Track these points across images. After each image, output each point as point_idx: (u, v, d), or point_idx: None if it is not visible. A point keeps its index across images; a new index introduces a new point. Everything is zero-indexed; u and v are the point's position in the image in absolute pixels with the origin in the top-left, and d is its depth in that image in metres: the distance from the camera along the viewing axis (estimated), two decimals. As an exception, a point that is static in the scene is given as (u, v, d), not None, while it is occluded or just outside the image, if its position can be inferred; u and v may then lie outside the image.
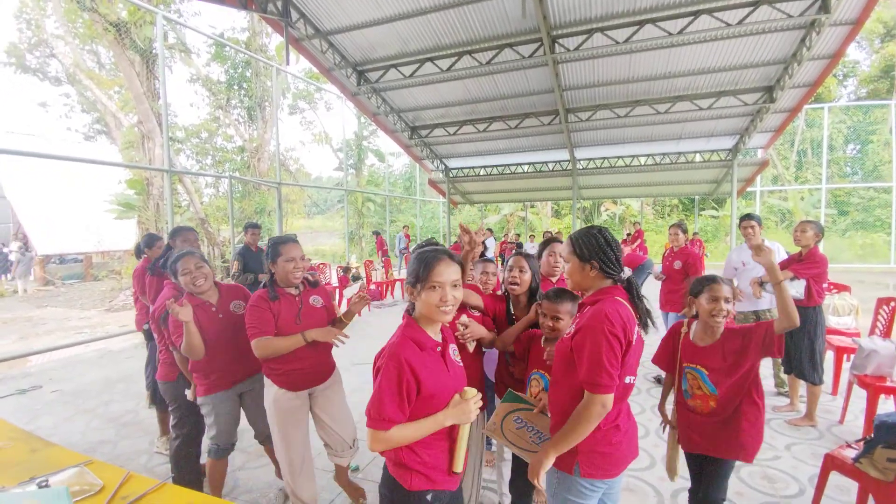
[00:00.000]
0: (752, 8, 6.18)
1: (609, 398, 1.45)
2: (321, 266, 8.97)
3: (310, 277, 2.43)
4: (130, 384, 4.78)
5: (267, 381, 2.28)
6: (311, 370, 2.30)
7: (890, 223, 14.34)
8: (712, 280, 2.02)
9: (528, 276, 2.29)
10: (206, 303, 2.43)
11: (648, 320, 1.63)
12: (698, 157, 11.70)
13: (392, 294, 10.31)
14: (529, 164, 13.21)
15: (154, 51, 10.35)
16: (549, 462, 1.52)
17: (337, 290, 8.41)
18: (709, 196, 15.14)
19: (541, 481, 1.55)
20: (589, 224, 23.26)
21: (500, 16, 6.82)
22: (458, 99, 9.76)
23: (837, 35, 6.84)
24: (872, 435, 2.12)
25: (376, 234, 13.69)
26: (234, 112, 16.20)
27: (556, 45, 7.17)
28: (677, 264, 4.21)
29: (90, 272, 15.31)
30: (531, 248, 14.74)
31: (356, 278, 10.41)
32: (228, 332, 2.43)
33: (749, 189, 13.66)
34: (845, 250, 16.08)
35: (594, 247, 1.60)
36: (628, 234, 15.12)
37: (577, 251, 1.63)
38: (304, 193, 20.34)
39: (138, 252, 4.05)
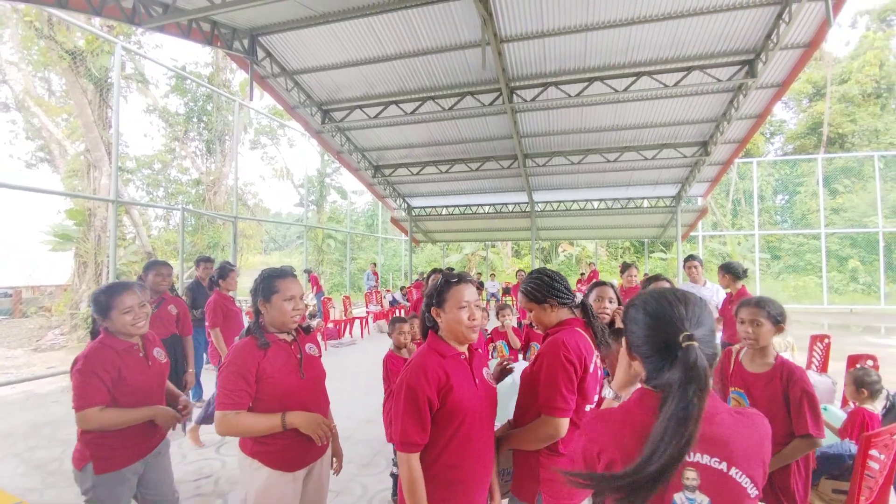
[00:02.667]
0: (685, 73, 6.88)
1: (563, 423, 1.50)
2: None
3: (302, 322, 1.92)
4: (56, 430, 4.37)
5: (248, 463, 1.70)
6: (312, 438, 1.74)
7: (820, 267, 15.66)
8: (744, 303, 2.05)
9: (615, 306, 2.39)
10: (134, 346, 2.02)
11: (603, 337, 1.72)
12: (646, 203, 12.48)
13: (350, 333, 10.04)
14: (490, 205, 13.60)
15: (109, 80, 10.10)
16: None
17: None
18: (657, 239, 16.05)
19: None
20: (547, 264, 23.93)
21: (462, 66, 7.22)
22: (422, 141, 10.05)
23: (764, 97, 7.68)
24: (815, 467, 2.18)
25: (308, 272, 13.23)
26: (191, 144, 15.84)
27: (515, 95, 7.63)
28: (629, 303, 4.40)
29: (19, 308, 14.00)
30: (492, 286, 14.92)
31: (312, 316, 10.08)
32: (156, 384, 2.07)
33: (692, 234, 14.63)
34: (779, 292, 17.33)
35: (544, 287, 1.72)
36: (582, 274, 15.65)
37: (533, 297, 1.73)
38: (262, 229, 19.84)
39: (211, 284, 4.32)
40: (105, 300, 1.95)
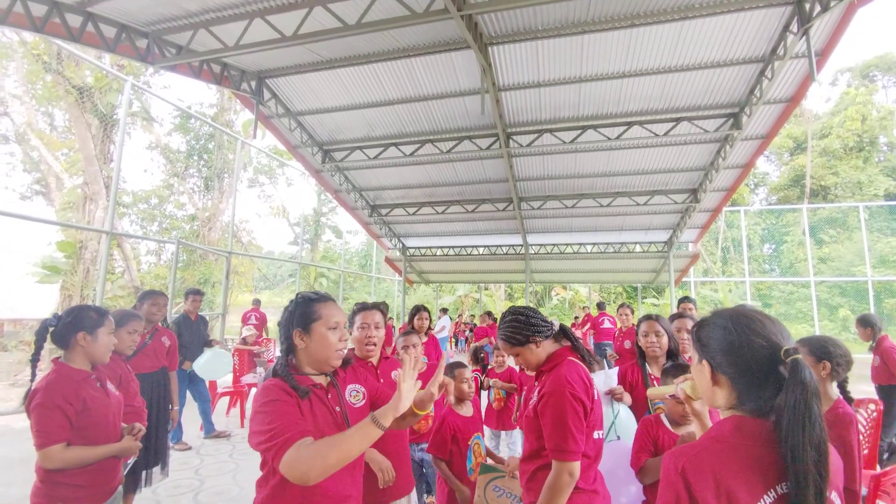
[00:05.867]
0: (674, 123, 7.18)
1: (576, 466, 1.42)
2: (265, 342, 8.42)
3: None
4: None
5: None
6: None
7: (811, 315, 15.75)
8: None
9: (665, 340, 2.37)
10: (91, 377, 1.87)
11: (591, 359, 1.68)
12: (638, 248, 12.64)
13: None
14: (485, 246, 13.69)
15: (115, 116, 10.30)
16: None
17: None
18: (649, 284, 16.13)
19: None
20: (540, 307, 23.69)
21: (461, 111, 7.48)
22: (419, 182, 10.24)
23: (749, 148, 8.02)
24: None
25: None
26: (190, 181, 15.99)
27: (511, 140, 7.87)
28: (627, 344, 4.36)
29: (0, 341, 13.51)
30: (485, 329, 14.70)
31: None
32: (116, 418, 1.93)
33: (684, 279, 14.74)
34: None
35: (522, 326, 1.65)
36: (576, 318, 15.56)
37: (516, 341, 1.65)
38: (254, 266, 19.68)
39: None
40: (97, 316, 1.86)
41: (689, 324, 2.48)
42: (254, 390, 6.25)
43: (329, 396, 1.40)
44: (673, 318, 2.57)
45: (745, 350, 0.88)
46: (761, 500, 0.79)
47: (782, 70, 5.71)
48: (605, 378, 2.28)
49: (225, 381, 7.02)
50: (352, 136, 8.55)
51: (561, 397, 1.46)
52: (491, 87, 6.22)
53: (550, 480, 1.43)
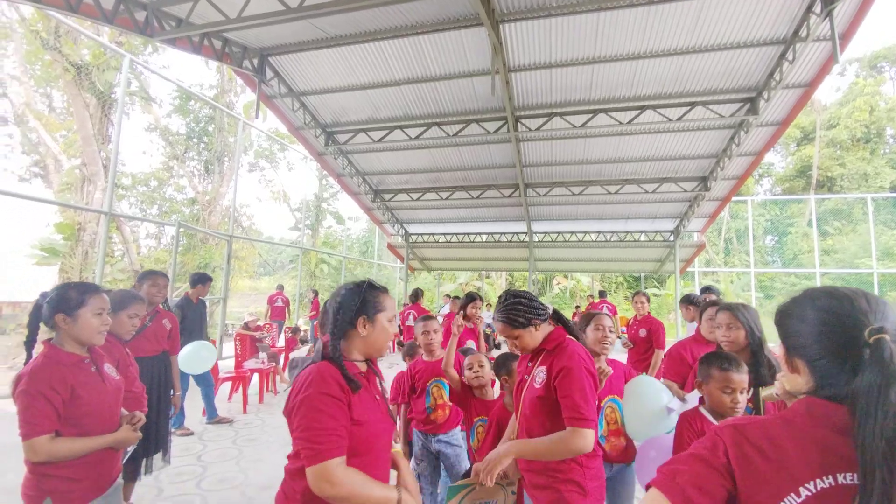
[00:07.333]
0: (689, 107, 6.98)
1: (592, 434, 1.46)
2: (268, 326, 8.33)
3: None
4: None
5: None
6: None
7: (814, 308, 15.65)
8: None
9: (742, 333, 2.02)
10: (85, 360, 1.72)
11: (583, 341, 1.77)
12: (643, 237, 12.49)
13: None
14: (488, 233, 13.54)
15: (113, 95, 10.07)
16: (507, 461, 1.51)
17: (283, 354, 7.78)
18: (653, 274, 16.03)
19: (492, 477, 1.49)
20: (541, 297, 23.64)
21: (469, 93, 7.28)
22: (424, 166, 10.05)
23: (763, 134, 7.83)
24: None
25: (315, 293, 12.99)
26: (190, 164, 15.77)
27: (520, 124, 7.67)
28: (643, 332, 4.24)
29: (-1, 324, 13.43)
30: (487, 316, 14.65)
31: (304, 341, 9.76)
32: (113, 405, 1.78)
33: (688, 269, 14.62)
34: (775, 331, 17.22)
35: (525, 309, 1.67)
36: (577, 307, 15.51)
37: (518, 324, 1.66)
38: (255, 251, 19.55)
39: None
40: (77, 296, 1.68)
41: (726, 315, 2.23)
42: (256, 376, 6.17)
43: (369, 383, 1.39)
44: (705, 306, 2.39)
45: (829, 329, 0.80)
46: (811, 483, 0.73)
47: (803, 53, 5.51)
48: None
49: (227, 365, 6.95)
50: (356, 117, 8.34)
51: (580, 370, 1.52)
52: (501, 67, 6.01)
53: (561, 438, 1.46)
